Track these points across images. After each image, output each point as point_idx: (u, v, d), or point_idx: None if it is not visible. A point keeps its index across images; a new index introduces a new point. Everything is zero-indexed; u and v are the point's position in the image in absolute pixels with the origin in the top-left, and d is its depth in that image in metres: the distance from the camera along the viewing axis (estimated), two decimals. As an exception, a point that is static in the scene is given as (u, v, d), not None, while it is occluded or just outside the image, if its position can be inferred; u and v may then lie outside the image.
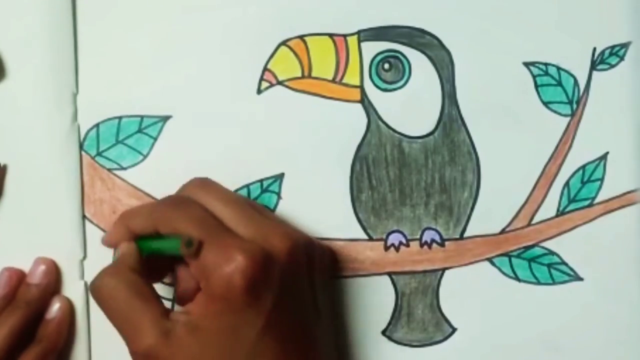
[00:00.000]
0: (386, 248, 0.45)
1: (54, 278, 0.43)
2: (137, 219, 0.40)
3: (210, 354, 0.36)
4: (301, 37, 0.44)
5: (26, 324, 0.41)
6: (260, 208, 0.42)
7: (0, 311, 0.42)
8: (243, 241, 0.37)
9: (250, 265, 0.35)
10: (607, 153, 0.46)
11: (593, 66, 0.46)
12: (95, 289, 0.38)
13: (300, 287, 0.39)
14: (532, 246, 0.46)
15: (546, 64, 0.46)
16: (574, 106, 0.46)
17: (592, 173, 0.46)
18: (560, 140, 0.46)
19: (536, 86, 0.46)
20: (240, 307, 0.36)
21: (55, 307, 0.43)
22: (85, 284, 0.44)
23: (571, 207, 0.46)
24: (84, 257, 0.44)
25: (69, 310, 0.43)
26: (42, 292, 0.43)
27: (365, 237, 0.45)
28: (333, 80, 0.45)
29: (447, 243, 0.45)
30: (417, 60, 0.45)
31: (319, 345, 0.40)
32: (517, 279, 0.46)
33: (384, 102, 0.45)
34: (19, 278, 0.43)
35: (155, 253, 0.39)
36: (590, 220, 0.46)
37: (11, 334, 0.41)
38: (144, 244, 0.39)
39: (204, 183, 0.41)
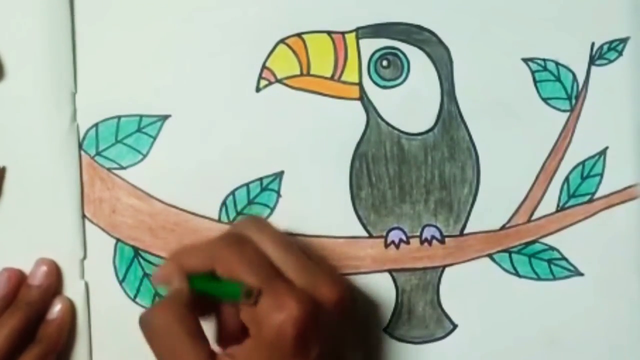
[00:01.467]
0: (386, 245, 0.45)
1: (55, 279, 0.43)
2: (192, 258, 0.39)
3: None
4: (299, 35, 0.44)
5: (27, 325, 0.41)
6: (309, 253, 0.41)
7: (0, 312, 0.42)
8: (296, 290, 0.37)
9: (302, 315, 0.35)
10: (606, 148, 0.46)
11: (592, 61, 0.46)
12: (146, 323, 0.38)
13: (343, 328, 0.39)
14: (533, 242, 0.46)
15: (545, 60, 0.46)
16: (573, 101, 0.46)
17: (591, 168, 0.46)
18: (560, 135, 0.46)
19: (535, 82, 0.46)
20: (288, 355, 0.36)
21: (57, 308, 0.43)
22: (86, 283, 0.44)
23: (571, 202, 0.46)
24: (84, 256, 0.44)
25: (70, 311, 0.43)
26: (43, 294, 0.43)
27: (366, 234, 0.45)
28: (332, 78, 0.45)
29: (447, 240, 0.45)
30: (416, 57, 0.45)
31: None
32: (517, 274, 0.46)
33: (383, 99, 0.45)
34: (18, 279, 0.43)
35: (209, 294, 0.39)
36: (591, 216, 0.46)
37: (12, 335, 0.40)
38: (197, 281, 0.39)
39: (259, 223, 0.40)
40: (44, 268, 0.43)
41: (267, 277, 0.37)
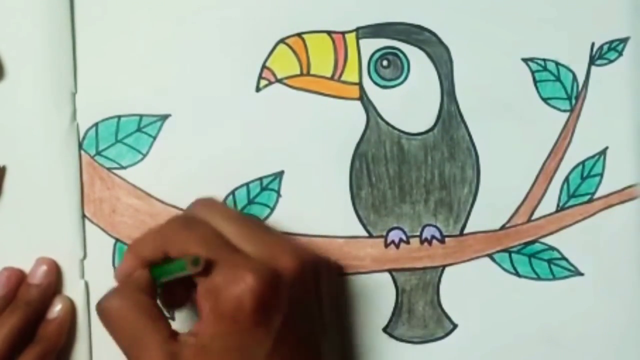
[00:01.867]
0: (386, 245, 0.45)
1: (54, 278, 0.43)
2: (145, 245, 0.39)
3: None
4: (299, 34, 0.44)
5: (26, 325, 0.41)
6: (266, 226, 0.42)
7: (0, 311, 0.42)
8: (252, 261, 0.36)
9: (259, 285, 0.35)
10: (606, 148, 0.46)
11: (592, 61, 0.46)
12: (101, 309, 0.38)
13: (308, 305, 0.39)
14: (532, 242, 0.46)
15: (545, 60, 0.46)
16: (573, 101, 0.46)
17: (591, 168, 0.46)
18: (560, 135, 0.46)
19: (535, 82, 0.46)
20: (250, 327, 0.35)
21: (57, 307, 0.43)
22: (86, 283, 0.44)
23: (571, 202, 0.46)
24: (84, 256, 0.44)
25: (70, 310, 0.43)
26: (42, 293, 0.43)
27: (365, 234, 0.45)
28: (332, 78, 0.45)
29: (447, 239, 0.45)
30: (416, 57, 0.45)
31: None
32: (517, 274, 0.46)
33: (382, 99, 0.45)
34: (18, 278, 0.43)
35: (167, 277, 0.38)
36: (590, 216, 0.46)
37: (11, 334, 0.40)
38: (156, 270, 0.39)
39: (210, 202, 0.41)
40: (43, 267, 0.43)
41: (221, 251, 0.37)
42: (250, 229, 0.38)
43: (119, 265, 0.40)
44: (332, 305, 0.42)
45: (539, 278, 0.46)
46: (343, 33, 0.45)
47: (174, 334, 0.37)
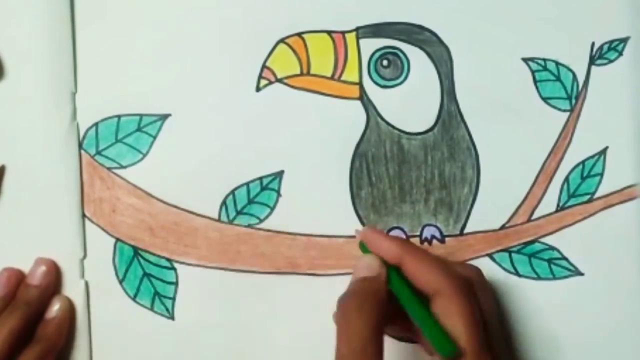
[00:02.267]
0: (386, 245, 0.45)
1: (54, 279, 0.43)
2: (419, 268, 0.38)
3: None
4: (299, 34, 0.45)
5: (26, 325, 0.41)
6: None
7: (0, 312, 0.42)
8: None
9: None
10: (606, 148, 0.46)
11: (592, 61, 0.46)
12: (339, 306, 0.38)
13: None
14: (532, 242, 0.46)
15: (545, 60, 0.46)
16: (573, 101, 0.46)
17: (591, 168, 0.46)
18: (560, 135, 0.46)
19: (535, 81, 0.46)
20: None
21: (56, 307, 0.43)
22: (86, 283, 0.44)
23: (571, 202, 0.46)
24: (84, 256, 0.44)
25: (69, 310, 0.43)
26: (42, 293, 0.43)
27: (366, 234, 0.45)
28: (332, 78, 0.45)
29: (447, 239, 0.45)
30: (416, 57, 0.45)
31: None
32: (517, 274, 0.46)
33: (383, 98, 0.45)
34: (18, 279, 0.43)
35: (398, 297, 0.38)
36: (590, 215, 0.46)
37: (10, 335, 0.40)
38: (396, 281, 0.38)
39: (483, 280, 0.40)
40: (42, 268, 0.43)
41: (482, 343, 0.36)
42: (495, 332, 0.38)
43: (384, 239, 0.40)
44: None
45: (539, 278, 0.46)
46: (343, 33, 0.45)
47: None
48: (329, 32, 0.45)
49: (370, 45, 0.45)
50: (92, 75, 0.44)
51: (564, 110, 0.46)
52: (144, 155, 0.44)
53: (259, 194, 0.44)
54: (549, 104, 0.46)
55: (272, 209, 0.44)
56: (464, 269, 0.40)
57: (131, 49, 0.44)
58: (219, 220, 0.44)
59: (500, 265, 0.46)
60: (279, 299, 0.44)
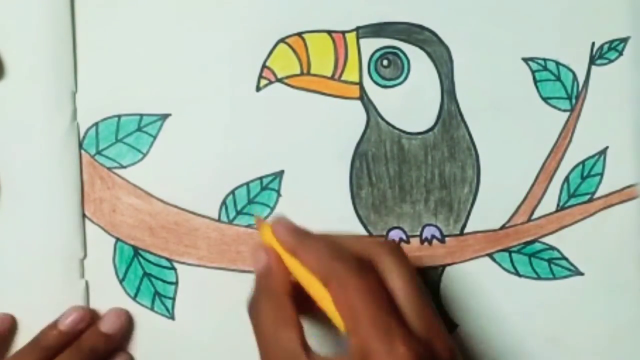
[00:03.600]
0: (386, 245, 0.45)
1: (124, 333, 0.43)
2: (309, 254, 0.37)
3: None
4: (300, 34, 0.44)
5: None
6: (430, 305, 0.38)
7: (58, 345, 0.41)
8: (410, 335, 0.34)
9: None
10: (606, 148, 0.46)
11: (592, 61, 0.46)
12: (249, 310, 0.37)
13: None
14: (533, 241, 0.46)
15: (545, 59, 0.46)
16: (573, 101, 0.46)
17: (591, 168, 0.46)
18: (560, 135, 0.46)
19: (535, 81, 0.46)
20: None
21: None
22: (86, 283, 0.44)
23: (571, 202, 0.46)
24: (84, 256, 0.44)
25: None
26: (109, 344, 0.42)
27: (366, 233, 0.45)
28: (332, 77, 0.45)
29: (447, 239, 0.45)
30: (416, 57, 0.45)
31: None
32: (517, 274, 0.46)
33: (383, 98, 0.45)
34: (89, 320, 0.42)
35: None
36: (590, 215, 0.46)
37: None
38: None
39: (395, 252, 0.38)
40: (120, 320, 0.43)
41: (382, 311, 0.34)
42: (421, 301, 0.36)
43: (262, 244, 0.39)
44: None
45: (539, 278, 0.46)
46: (343, 32, 0.45)
47: (307, 347, 0.35)
48: (329, 32, 0.45)
49: (370, 45, 0.45)
50: (93, 75, 0.44)
51: (564, 110, 0.46)
52: (144, 155, 0.44)
53: (259, 194, 0.44)
54: (549, 103, 0.46)
55: (272, 209, 0.44)
56: (368, 248, 0.38)
57: (131, 49, 0.44)
58: (219, 220, 0.44)
59: (500, 265, 0.46)
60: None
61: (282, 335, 0.35)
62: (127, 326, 0.43)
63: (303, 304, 0.37)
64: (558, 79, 0.46)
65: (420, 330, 0.35)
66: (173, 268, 0.44)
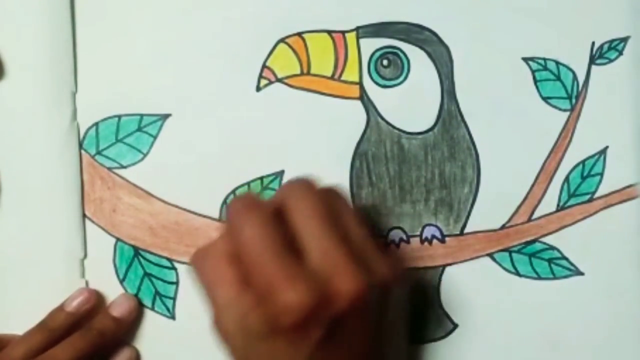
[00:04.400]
0: (387, 245, 0.45)
1: (135, 317, 0.43)
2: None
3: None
4: (299, 34, 0.44)
5: (93, 353, 0.41)
6: (357, 233, 0.36)
7: (65, 327, 0.41)
8: (305, 275, 0.33)
9: (301, 306, 0.32)
10: (606, 147, 0.46)
11: (592, 61, 0.46)
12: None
13: (364, 324, 0.35)
14: (533, 241, 0.46)
15: (545, 59, 0.46)
16: (573, 101, 0.46)
17: (592, 168, 0.46)
18: (560, 135, 0.46)
19: (535, 81, 0.46)
20: (283, 338, 0.33)
21: (124, 355, 0.43)
22: (86, 283, 0.44)
23: (571, 202, 0.46)
24: (84, 256, 0.44)
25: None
26: (119, 328, 0.42)
27: (366, 233, 0.45)
28: (332, 77, 0.45)
29: (447, 239, 0.45)
30: (416, 56, 0.45)
31: None
32: (517, 274, 0.46)
33: (383, 98, 0.45)
34: (96, 301, 0.43)
35: None
36: (591, 215, 0.46)
37: (76, 357, 0.40)
38: None
39: (305, 188, 0.37)
40: (130, 304, 0.43)
41: (279, 249, 0.34)
42: (325, 233, 0.35)
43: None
44: (401, 315, 0.40)
45: (539, 277, 0.46)
46: (343, 32, 0.45)
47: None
48: (329, 32, 0.45)
49: (370, 45, 0.45)
50: (93, 75, 0.44)
51: (564, 110, 0.46)
52: (145, 155, 0.44)
53: (260, 193, 0.44)
54: (549, 103, 0.46)
55: (273, 208, 0.44)
56: (278, 193, 0.37)
57: (131, 49, 0.44)
58: (219, 220, 0.44)
59: (500, 265, 0.46)
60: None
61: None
62: (137, 312, 0.43)
63: None
64: (558, 78, 0.46)
65: (320, 266, 0.34)
66: (173, 268, 0.44)
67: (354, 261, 0.34)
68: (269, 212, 0.35)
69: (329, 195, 0.37)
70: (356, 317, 0.34)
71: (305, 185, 0.37)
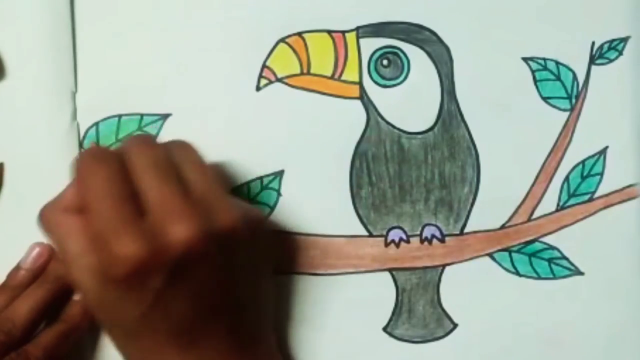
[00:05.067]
0: (386, 244, 0.45)
1: None
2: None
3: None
4: (300, 34, 0.44)
5: (52, 299, 0.41)
6: (204, 183, 0.37)
7: (27, 284, 0.41)
8: (140, 225, 0.34)
9: (133, 256, 0.33)
10: (606, 147, 0.46)
11: (592, 60, 0.46)
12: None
13: (203, 277, 0.36)
14: (533, 241, 0.46)
15: (545, 59, 0.46)
16: (573, 101, 0.46)
17: (591, 167, 0.46)
18: (560, 135, 0.46)
19: (535, 81, 0.46)
20: (123, 287, 0.35)
21: None
22: (86, 282, 0.44)
23: (571, 201, 0.46)
24: (85, 255, 0.44)
25: None
26: None
27: (366, 233, 0.45)
28: (332, 77, 0.45)
29: (447, 239, 0.45)
30: (416, 56, 0.45)
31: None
32: (517, 274, 0.46)
33: (383, 98, 0.45)
34: (49, 254, 0.42)
35: None
36: (591, 215, 0.46)
37: (37, 307, 0.40)
38: None
39: (145, 141, 0.38)
40: None
41: (121, 195, 0.35)
42: (163, 184, 0.35)
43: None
44: (260, 258, 0.40)
45: (539, 277, 0.46)
46: (343, 32, 0.45)
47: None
48: (329, 32, 0.45)
49: (370, 44, 0.45)
50: (93, 75, 0.44)
51: (564, 110, 0.46)
52: (145, 155, 0.44)
53: (259, 193, 0.44)
54: (549, 103, 0.46)
55: (273, 208, 0.44)
56: (119, 148, 0.38)
57: (132, 49, 0.44)
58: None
59: (500, 265, 0.46)
60: (278, 299, 0.44)
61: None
62: None
63: None
64: (558, 78, 0.46)
65: (157, 216, 0.34)
66: (173, 268, 0.44)
67: (189, 209, 0.35)
68: (114, 166, 0.36)
69: (170, 147, 0.38)
70: (196, 263, 0.35)
71: (145, 138, 0.39)
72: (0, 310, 0.40)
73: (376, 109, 0.45)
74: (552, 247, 0.46)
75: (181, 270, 0.35)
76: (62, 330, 0.41)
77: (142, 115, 0.44)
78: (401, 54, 0.45)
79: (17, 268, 0.42)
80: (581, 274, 0.46)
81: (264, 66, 0.44)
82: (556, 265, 0.46)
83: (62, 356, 0.41)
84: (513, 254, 0.46)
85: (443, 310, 0.45)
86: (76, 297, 0.42)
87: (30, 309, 0.40)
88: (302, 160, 0.45)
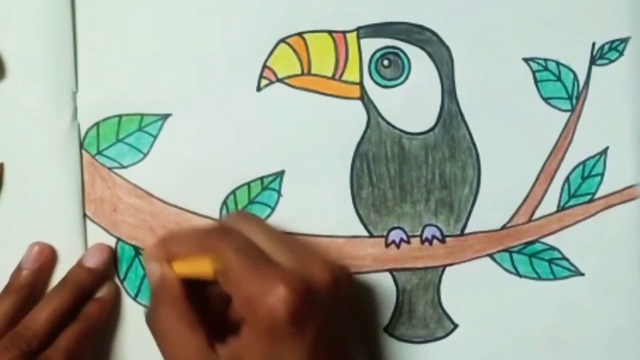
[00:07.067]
0: (387, 245, 0.45)
1: (109, 265, 0.43)
2: (181, 245, 0.40)
3: None
4: (300, 34, 0.44)
5: (71, 306, 0.41)
6: (298, 240, 0.43)
7: (30, 285, 0.42)
8: (284, 271, 0.37)
9: (292, 296, 0.35)
10: (607, 148, 0.46)
11: (592, 61, 0.46)
12: (148, 321, 0.39)
13: (341, 318, 0.39)
14: (533, 242, 0.46)
15: (545, 60, 0.46)
16: (574, 101, 0.46)
17: (592, 168, 0.46)
18: (560, 135, 0.46)
19: (536, 81, 0.46)
20: (284, 338, 0.36)
21: (103, 289, 0.43)
22: (86, 282, 0.44)
23: (572, 202, 0.46)
24: (85, 256, 0.44)
25: (115, 293, 0.43)
26: (94, 278, 0.43)
27: (366, 233, 0.45)
28: (332, 77, 0.45)
29: (448, 239, 0.45)
30: (417, 57, 0.45)
31: None
32: (518, 274, 0.46)
33: (383, 98, 0.45)
34: (50, 253, 0.43)
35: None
36: (591, 216, 0.46)
37: (55, 314, 0.40)
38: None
39: (245, 214, 0.42)
40: (103, 254, 0.43)
41: (255, 261, 0.37)
42: (284, 241, 0.39)
43: (146, 249, 0.41)
44: (351, 309, 0.42)
45: (539, 278, 0.46)
46: (344, 32, 0.45)
47: (213, 344, 0.37)
48: (330, 32, 0.45)
49: (371, 45, 0.45)
50: (93, 75, 0.44)
51: (565, 111, 0.46)
52: (145, 155, 0.44)
53: (260, 193, 0.44)
54: (549, 104, 0.46)
55: (273, 209, 0.44)
56: (228, 221, 0.41)
57: (132, 49, 0.44)
58: (220, 220, 0.44)
59: (500, 266, 0.46)
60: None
61: (189, 337, 0.37)
62: (111, 259, 0.43)
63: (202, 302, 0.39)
64: (558, 79, 0.46)
65: (293, 265, 0.37)
66: (173, 268, 0.44)
67: (318, 256, 0.38)
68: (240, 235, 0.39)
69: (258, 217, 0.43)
70: (335, 306, 0.38)
71: (244, 213, 0.43)
72: (11, 316, 0.41)
73: (377, 110, 0.45)
74: (552, 248, 0.46)
75: (326, 313, 0.37)
76: (80, 331, 0.41)
77: (142, 115, 0.44)
78: (402, 55, 0.45)
79: (19, 269, 0.42)
80: (581, 274, 0.46)
81: (264, 66, 0.44)
82: (557, 266, 0.46)
83: (80, 356, 0.41)
84: (513, 255, 0.46)
85: (443, 310, 0.45)
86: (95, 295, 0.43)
87: (50, 317, 0.40)
88: (302, 161, 0.45)
